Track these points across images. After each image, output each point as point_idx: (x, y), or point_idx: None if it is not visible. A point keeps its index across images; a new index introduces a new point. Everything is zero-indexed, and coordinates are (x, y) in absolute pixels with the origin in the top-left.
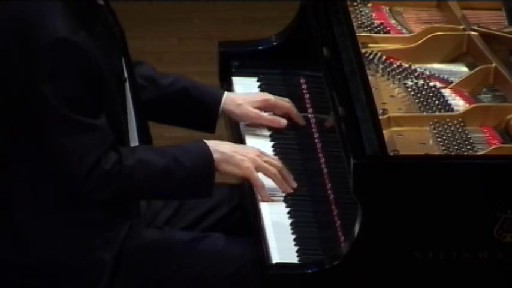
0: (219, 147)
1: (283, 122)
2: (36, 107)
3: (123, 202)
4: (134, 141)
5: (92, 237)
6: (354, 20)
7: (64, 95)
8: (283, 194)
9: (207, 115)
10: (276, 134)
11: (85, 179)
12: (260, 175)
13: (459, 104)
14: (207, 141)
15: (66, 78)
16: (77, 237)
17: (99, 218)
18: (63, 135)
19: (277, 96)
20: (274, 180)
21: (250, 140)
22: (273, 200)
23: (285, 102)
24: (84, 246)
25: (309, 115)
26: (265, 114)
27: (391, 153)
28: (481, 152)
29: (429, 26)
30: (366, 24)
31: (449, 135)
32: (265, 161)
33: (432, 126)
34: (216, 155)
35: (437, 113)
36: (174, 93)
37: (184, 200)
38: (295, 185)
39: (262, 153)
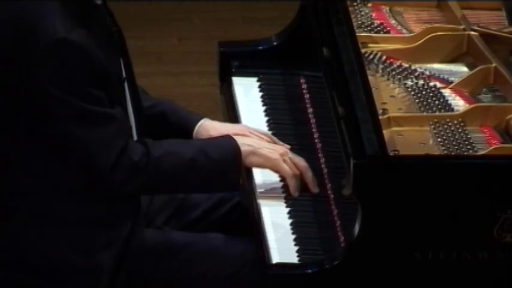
0: (247, 140)
1: None
2: (44, 107)
3: (150, 195)
4: None
5: (93, 238)
6: (354, 20)
7: (73, 91)
8: (284, 194)
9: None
10: (276, 134)
11: (112, 170)
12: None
13: (459, 104)
14: (234, 136)
15: (71, 75)
16: (78, 238)
17: (100, 218)
18: (81, 128)
19: (254, 129)
20: (289, 181)
21: None
22: (296, 198)
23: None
24: (85, 246)
25: (309, 115)
26: None
27: (391, 153)
28: (481, 152)
29: (429, 26)
30: (366, 24)
31: (449, 135)
32: (291, 159)
33: (432, 126)
34: (243, 148)
35: (437, 113)
36: (151, 116)
37: (211, 193)
38: (317, 190)
39: (289, 152)
